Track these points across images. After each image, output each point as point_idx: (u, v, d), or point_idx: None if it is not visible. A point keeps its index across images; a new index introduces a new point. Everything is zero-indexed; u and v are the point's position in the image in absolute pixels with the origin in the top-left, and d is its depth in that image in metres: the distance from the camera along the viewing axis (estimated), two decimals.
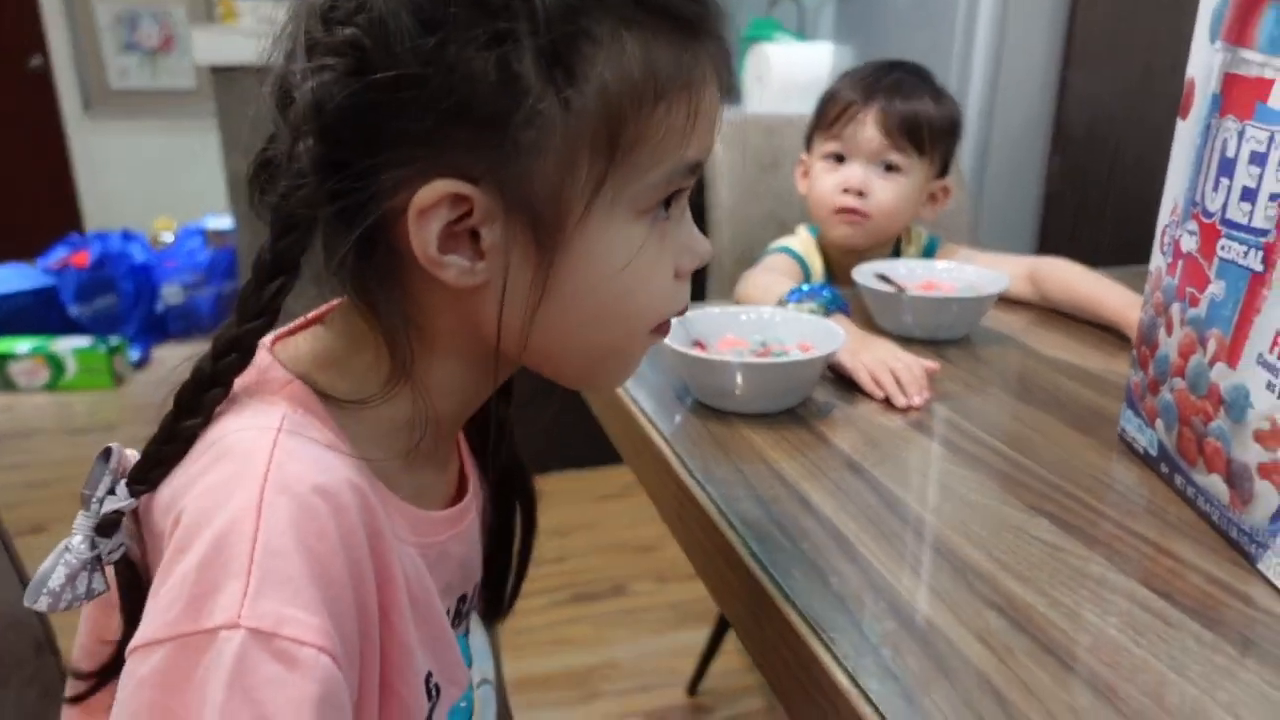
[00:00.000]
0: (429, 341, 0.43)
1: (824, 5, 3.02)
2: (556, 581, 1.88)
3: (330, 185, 0.37)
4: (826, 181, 1.04)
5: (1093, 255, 1.00)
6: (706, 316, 0.76)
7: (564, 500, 2.17)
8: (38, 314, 2.93)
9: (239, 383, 0.41)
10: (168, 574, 0.34)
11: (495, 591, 0.61)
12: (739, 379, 0.67)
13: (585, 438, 2.32)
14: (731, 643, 1.60)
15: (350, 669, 0.37)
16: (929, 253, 1.09)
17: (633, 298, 0.43)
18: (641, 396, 0.72)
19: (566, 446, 2.21)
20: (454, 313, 0.42)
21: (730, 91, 0.45)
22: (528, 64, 0.36)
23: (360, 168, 0.37)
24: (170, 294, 3.11)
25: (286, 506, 0.35)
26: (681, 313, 0.47)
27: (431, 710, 0.48)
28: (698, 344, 0.73)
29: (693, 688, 1.56)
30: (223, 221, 3.17)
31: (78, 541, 0.38)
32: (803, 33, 3.17)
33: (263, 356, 0.42)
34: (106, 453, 0.39)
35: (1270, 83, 0.45)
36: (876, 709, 0.39)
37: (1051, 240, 1.79)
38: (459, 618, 0.54)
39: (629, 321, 0.44)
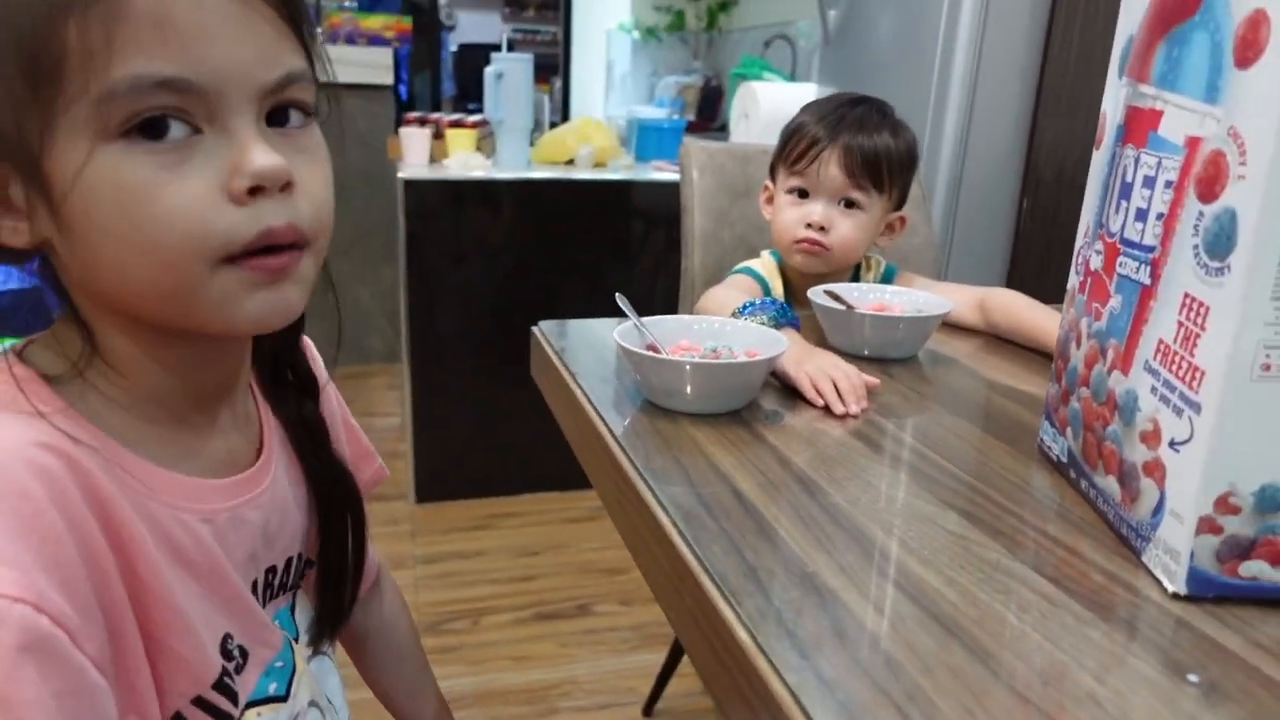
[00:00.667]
0: (87, 315, 0.45)
1: (816, 49, 3.12)
2: (522, 600, 1.89)
3: None
4: (790, 214, 1.09)
5: (1060, 293, 1.04)
6: (662, 324, 0.80)
7: (533, 521, 2.19)
8: (22, 314, 2.95)
9: None
10: None
11: (328, 598, 0.61)
12: (686, 377, 0.70)
13: (556, 461, 2.35)
14: (688, 665, 1.61)
15: (84, 619, 0.39)
16: (887, 280, 1.14)
17: (151, 223, 0.41)
18: (596, 394, 0.76)
19: (537, 468, 2.26)
20: (67, 279, 0.45)
21: None
22: None
23: None
24: None
25: None
26: (266, 240, 0.43)
27: (240, 669, 0.50)
28: (652, 348, 0.76)
29: (648, 708, 1.57)
30: None
31: None
32: (794, 75, 3.26)
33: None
34: None
35: (1160, 113, 0.49)
36: (772, 664, 0.42)
37: (1020, 278, 1.85)
38: (271, 589, 0.56)
39: (163, 251, 0.41)
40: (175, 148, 0.41)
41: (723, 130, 3.66)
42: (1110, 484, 0.54)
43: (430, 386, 2.18)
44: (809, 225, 1.07)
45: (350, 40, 2.98)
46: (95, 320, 0.46)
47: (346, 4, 3.10)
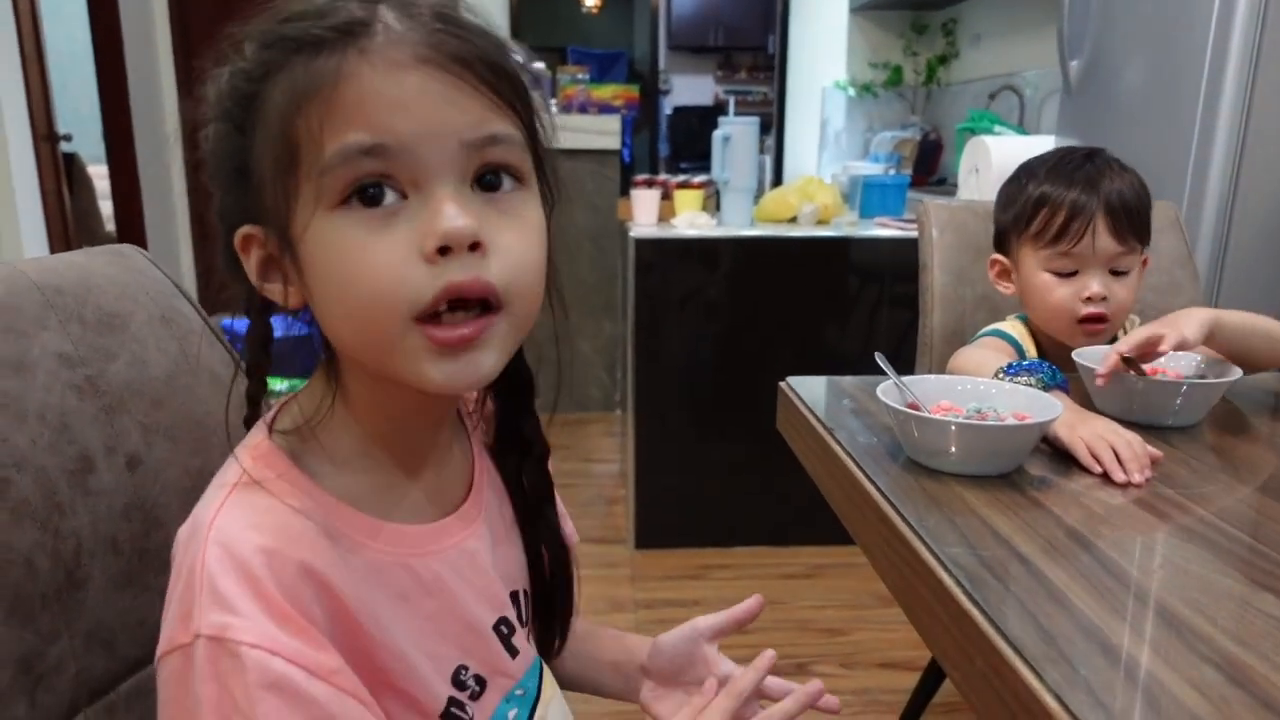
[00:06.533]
0: (340, 359, 0.52)
1: (1048, 99, 2.99)
2: (739, 654, 1.86)
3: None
4: (1060, 293, 0.99)
5: None
6: (923, 383, 0.80)
7: (747, 574, 2.19)
8: (301, 357, 3.33)
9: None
10: (168, 602, 0.47)
11: (543, 627, 0.67)
12: (954, 438, 0.70)
13: (770, 515, 2.34)
14: None
15: (323, 655, 0.46)
16: None
17: (353, 281, 0.46)
18: (857, 452, 0.77)
19: (751, 521, 2.26)
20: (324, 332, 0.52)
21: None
22: (241, 122, 0.48)
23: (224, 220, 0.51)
24: None
25: (225, 546, 0.46)
26: (451, 295, 0.46)
27: (476, 696, 0.56)
28: (913, 407, 0.76)
29: None
30: None
31: None
32: (1023, 126, 3.14)
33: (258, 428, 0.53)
34: None
35: None
36: None
37: None
38: (509, 627, 0.60)
39: (362, 306, 0.46)
40: (384, 213, 0.45)
41: (942, 184, 3.57)
42: None
43: (652, 435, 2.25)
44: (1089, 299, 0.98)
45: (583, 109, 3.19)
46: (344, 367, 0.53)
47: (579, 77, 3.32)
